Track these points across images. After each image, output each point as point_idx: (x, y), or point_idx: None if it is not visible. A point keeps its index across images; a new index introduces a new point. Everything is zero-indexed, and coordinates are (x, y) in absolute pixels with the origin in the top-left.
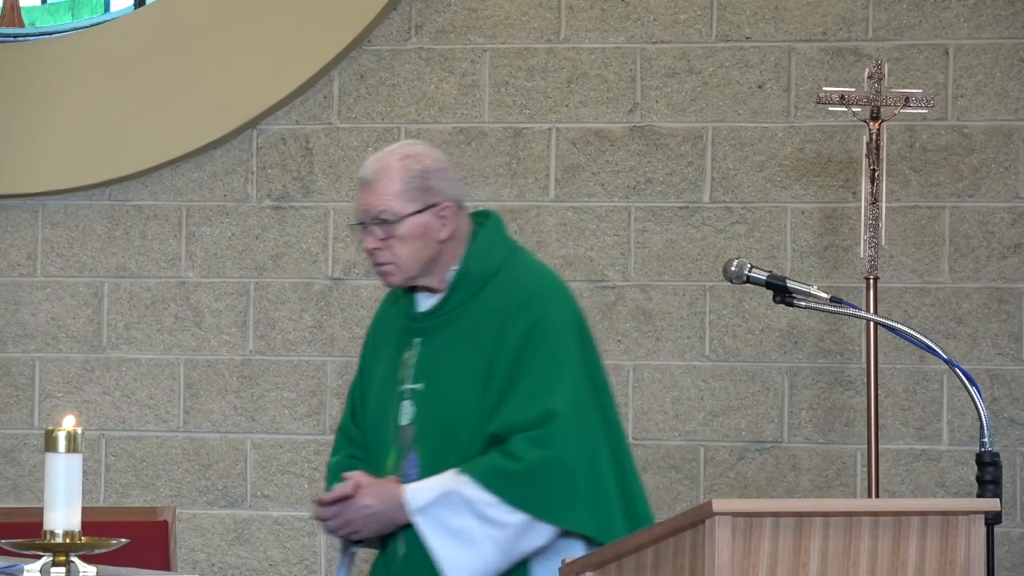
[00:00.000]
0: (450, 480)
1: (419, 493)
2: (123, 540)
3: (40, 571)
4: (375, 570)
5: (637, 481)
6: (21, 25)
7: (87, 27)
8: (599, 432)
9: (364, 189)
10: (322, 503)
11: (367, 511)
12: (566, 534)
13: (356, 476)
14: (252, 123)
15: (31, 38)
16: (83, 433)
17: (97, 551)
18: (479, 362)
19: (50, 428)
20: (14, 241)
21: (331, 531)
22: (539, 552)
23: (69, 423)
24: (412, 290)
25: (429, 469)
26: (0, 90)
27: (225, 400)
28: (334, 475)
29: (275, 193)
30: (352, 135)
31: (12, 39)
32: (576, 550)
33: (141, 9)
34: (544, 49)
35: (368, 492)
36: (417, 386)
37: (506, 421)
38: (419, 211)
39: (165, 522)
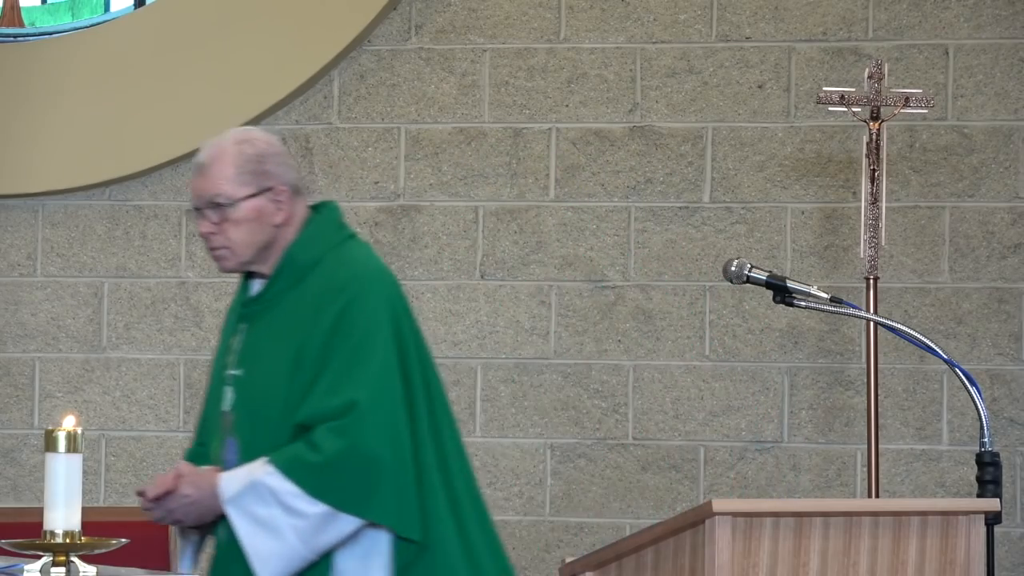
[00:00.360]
0: (257, 469)
1: (230, 483)
2: (123, 540)
3: (40, 571)
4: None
5: (466, 481)
6: (21, 25)
7: (87, 27)
8: (406, 424)
9: (197, 174)
10: (145, 495)
11: (186, 500)
12: (373, 526)
13: (179, 466)
14: (252, 123)
15: (31, 38)
16: (83, 433)
17: (97, 551)
18: (291, 350)
19: (50, 428)
20: (14, 241)
21: (156, 520)
22: (344, 543)
23: (69, 423)
24: (250, 276)
25: (246, 456)
26: (0, 90)
27: None
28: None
29: None
30: (352, 135)
31: (12, 39)
32: (381, 541)
33: (141, 9)
34: (544, 49)
35: (187, 482)
36: (238, 372)
37: (311, 411)
38: (253, 195)
39: None
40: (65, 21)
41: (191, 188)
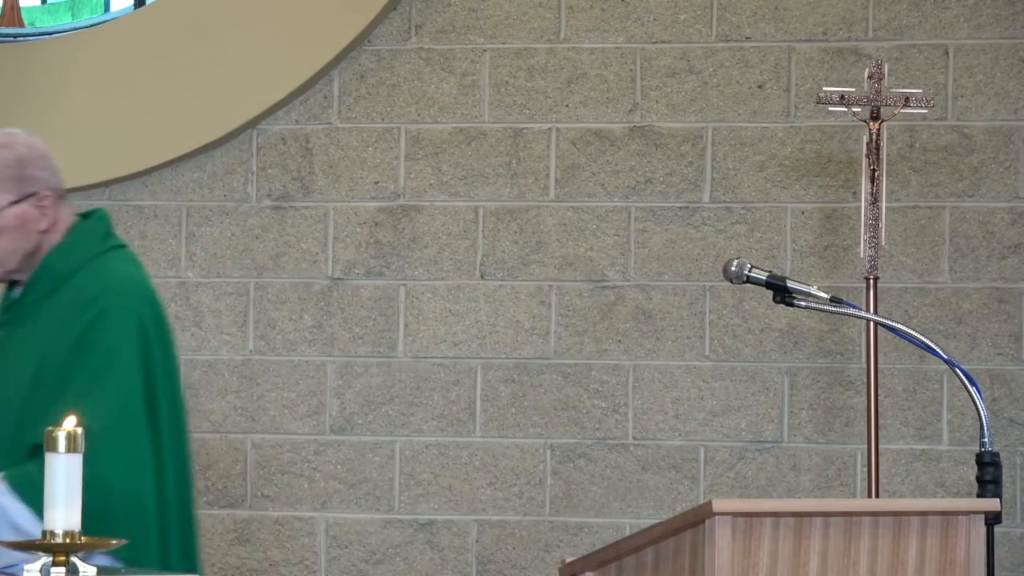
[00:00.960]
0: None
1: None
2: (123, 540)
3: (40, 571)
4: None
5: (179, 504)
6: (21, 25)
7: (87, 27)
8: (147, 447)
9: None
10: None
11: None
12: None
13: None
14: (252, 123)
15: (31, 38)
16: (83, 433)
17: (97, 550)
18: (33, 363)
19: (50, 428)
20: None
21: None
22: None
23: (69, 423)
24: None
25: None
26: (0, 90)
27: (225, 400)
28: None
29: (275, 193)
30: (352, 135)
31: (12, 39)
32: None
33: (141, 9)
34: (544, 49)
35: None
36: None
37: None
38: (15, 201)
39: None
40: (65, 21)
41: None
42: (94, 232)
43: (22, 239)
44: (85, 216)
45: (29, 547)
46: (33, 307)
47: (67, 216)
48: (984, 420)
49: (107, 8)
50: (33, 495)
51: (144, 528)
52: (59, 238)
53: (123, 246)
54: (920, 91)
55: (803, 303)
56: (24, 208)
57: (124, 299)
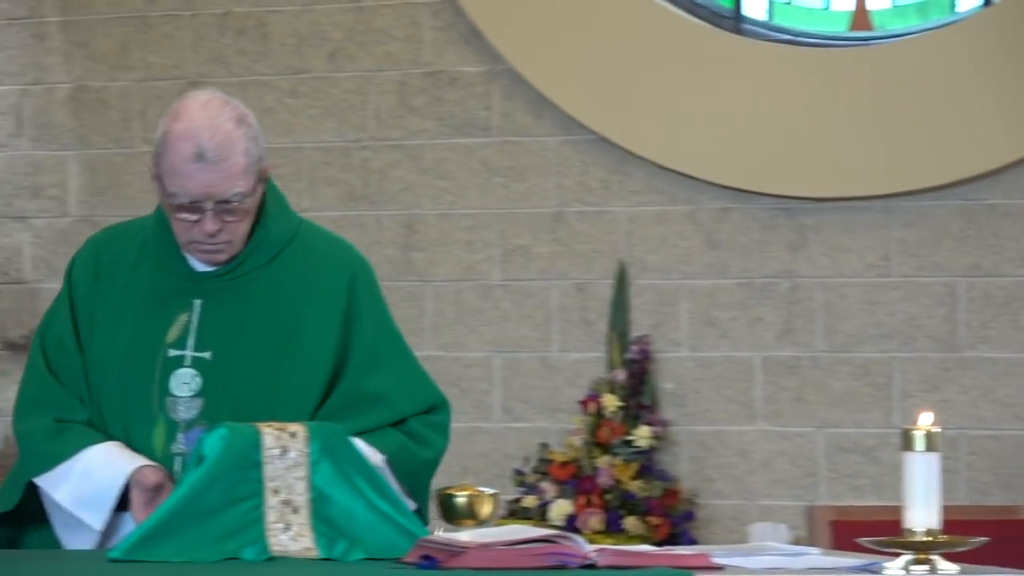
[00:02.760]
0: (375, 457)
1: None
2: (982, 539)
3: (902, 568)
4: None
5: None
6: (870, 28)
7: (935, 28)
8: None
9: (207, 167)
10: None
11: None
12: None
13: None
14: None
15: (879, 41)
16: (941, 432)
17: (957, 549)
18: (284, 329)
19: (907, 427)
20: (868, 242)
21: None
22: None
23: (926, 421)
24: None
25: None
26: (849, 92)
27: None
28: (52, 443)
29: None
30: None
31: (861, 43)
32: None
33: (987, 8)
34: None
35: None
36: (203, 354)
37: (404, 403)
38: (257, 182)
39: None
40: (913, 23)
41: (192, 181)
42: (283, 197)
43: (253, 218)
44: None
45: (890, 545)
46: (255, 274)
47: None
48: None
49: (954, 8)
50: (410, 473)
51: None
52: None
53: None
54: None
55: None
56: (260, 187)
57: (363, 260)
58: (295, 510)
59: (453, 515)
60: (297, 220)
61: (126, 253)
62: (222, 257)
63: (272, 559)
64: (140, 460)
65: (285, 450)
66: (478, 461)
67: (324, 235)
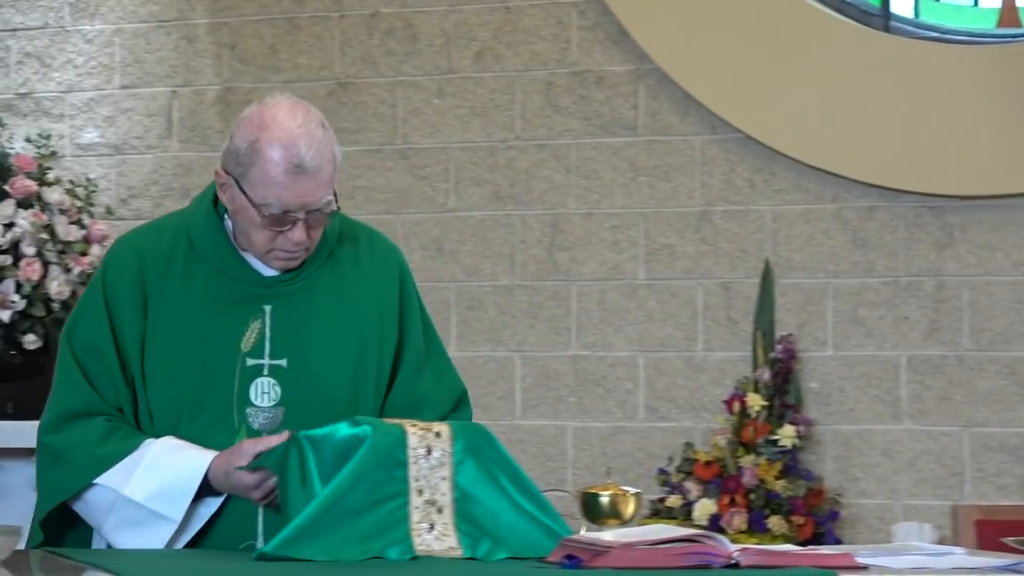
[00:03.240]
0: None
1: None
2: None
3: None
4: None
5: None
6: (1018, 25)
7: None
8: None
9: (304, 177)
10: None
11: None
12: None
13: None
14: None
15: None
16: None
17: None
18: (347, 330)
19: None
20: (1015, 240)
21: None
22: None
23: None
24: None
25: None
26: (997, 89)
27: None
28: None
29: None
30: None
31: (1009, 40)
32: None
33: None
34: None
35: None
36: (279, 362)
37: (428, 390)
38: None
39: None
40: None
41: (288, 192)
42: None
43: None
44: None
45: None
46: (315, 277)
47: None
48: None
49: None
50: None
51: None
52: None
53: None
54: None
55: None
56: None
57: (400, 250)
58: (439, 510)
59: (596, 514)
60: (340, 215)
61: (171, 258)
62: (298, 263)
63: (416, 558)
64: (206, 451)
65: (430, 450)
66: (622, 460)
67: (361, 227)
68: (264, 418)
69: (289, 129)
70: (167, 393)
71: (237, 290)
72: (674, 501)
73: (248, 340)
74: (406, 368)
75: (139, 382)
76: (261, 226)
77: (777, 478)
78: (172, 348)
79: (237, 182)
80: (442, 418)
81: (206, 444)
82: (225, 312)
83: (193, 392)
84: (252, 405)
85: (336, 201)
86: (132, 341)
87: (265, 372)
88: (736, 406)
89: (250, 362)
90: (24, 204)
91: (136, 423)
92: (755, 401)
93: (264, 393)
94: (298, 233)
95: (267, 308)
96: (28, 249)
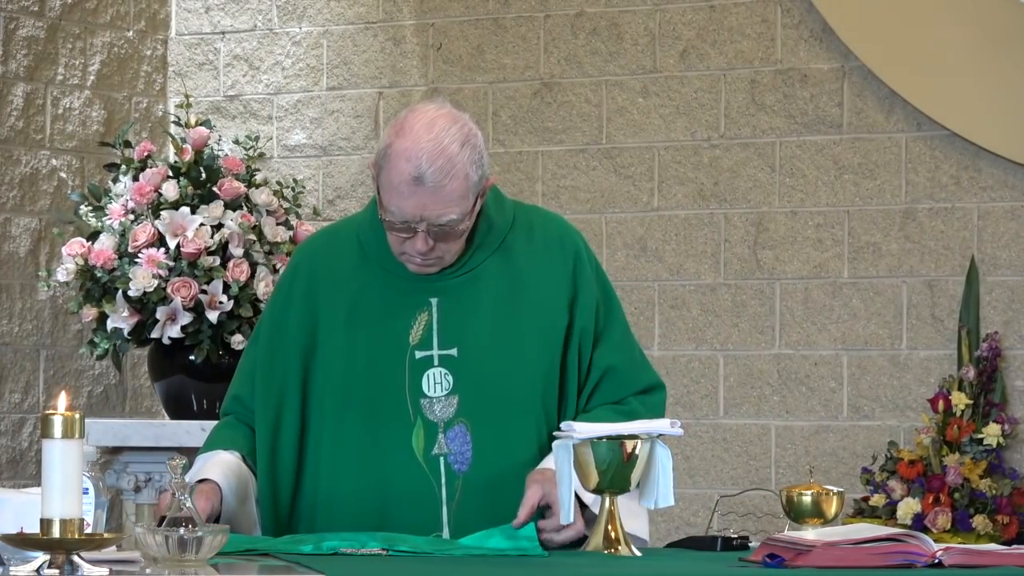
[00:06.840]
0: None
1: None
2: None
3: None
4: None
5: None
6: None
7: None
8: None
9: (421, 190)
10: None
11: None
12: None
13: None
14: None
15: None
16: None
17: None
18: (523, 312)
19: None
20: None
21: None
22: None
23: None
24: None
25: (482, 442)
26: None
27: None
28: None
29: None
30: None
31: None
32: None
33: None
34: None
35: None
36: (449, 352)
37: (613, 361)
38: (476, 200)
39: None
40: None
41: (407, 202)
42: (494, 187)
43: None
44: None
45: None
46: (483, 267)
47: None
48: None
49: None
50: None
51: None
52: None
53: None
54: None
55: None
56: (479, 203)
57: (581, 234)
58: None
59: (799, 513)
60: (512, 204)
61: (345, 256)
62: (433, 271)
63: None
64: (212, 473)
65: None
66: (826, 459)
67: (540, 212)
68: (440, 408)
69: (418, 140)
70: (331, 389)
71: (402, 285)
72: (878, 500)
73: (416, 333)
74: (588, 344)
75: (310, 381)
76: (387, 228)
77: (982, 477)
78: (339, 347)
79: (377, 183)
80: (622, 399)
81: (382, 437)
82: (392, 308)
83: (363, 388)
84: (425, 396)
85: (469, 219)
86: (303, 343)
87: (436, 363)
88: (940, 404)
89: (419, 355)
90: (232, 206)
91: (302, 419)
92: (960, 399)
93: (436, 383)
94: (419, 243)
95: (434, 301)
96: (236, 250)
